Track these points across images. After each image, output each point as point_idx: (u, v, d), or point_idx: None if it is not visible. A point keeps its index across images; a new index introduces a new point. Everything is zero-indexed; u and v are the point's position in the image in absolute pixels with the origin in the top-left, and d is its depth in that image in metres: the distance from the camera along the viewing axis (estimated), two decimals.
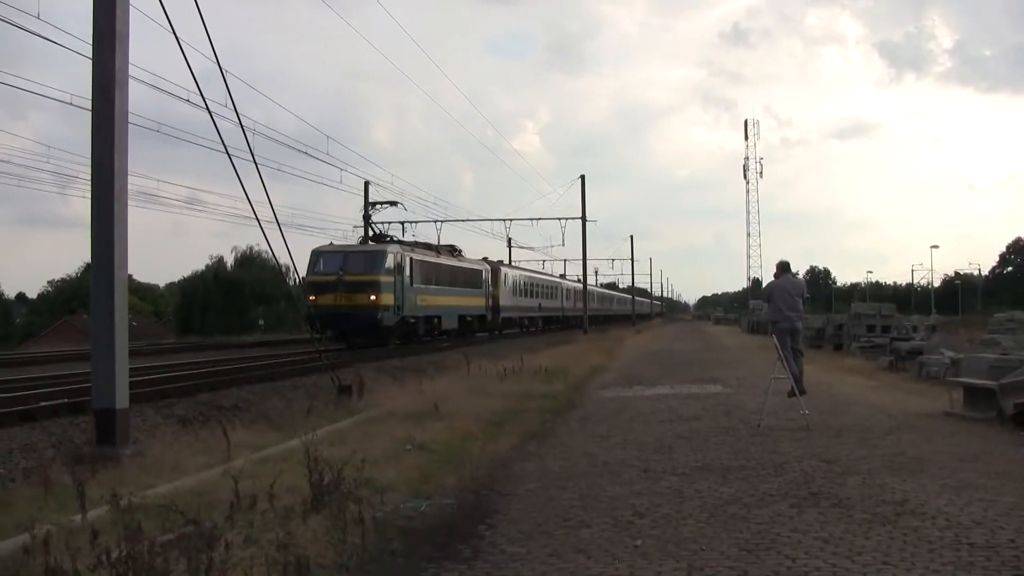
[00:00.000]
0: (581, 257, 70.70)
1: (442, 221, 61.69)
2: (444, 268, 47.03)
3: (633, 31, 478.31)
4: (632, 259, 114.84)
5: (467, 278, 51.27)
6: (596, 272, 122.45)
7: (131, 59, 11.66)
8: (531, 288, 69.54)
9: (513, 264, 70.26)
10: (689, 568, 6.24)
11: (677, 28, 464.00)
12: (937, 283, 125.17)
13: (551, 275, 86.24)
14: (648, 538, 7.07)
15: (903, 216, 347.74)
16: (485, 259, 59.67)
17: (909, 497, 8.30)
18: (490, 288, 55.24)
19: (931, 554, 6.40)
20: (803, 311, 16.21)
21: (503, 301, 58.45)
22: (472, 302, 51.70)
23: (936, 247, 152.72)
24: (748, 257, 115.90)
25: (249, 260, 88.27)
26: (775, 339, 15.12)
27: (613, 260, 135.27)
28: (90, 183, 11.58)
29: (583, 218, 66.24)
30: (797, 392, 14.22)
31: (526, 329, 68.21)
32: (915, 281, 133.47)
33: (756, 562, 6.31)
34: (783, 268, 16.51)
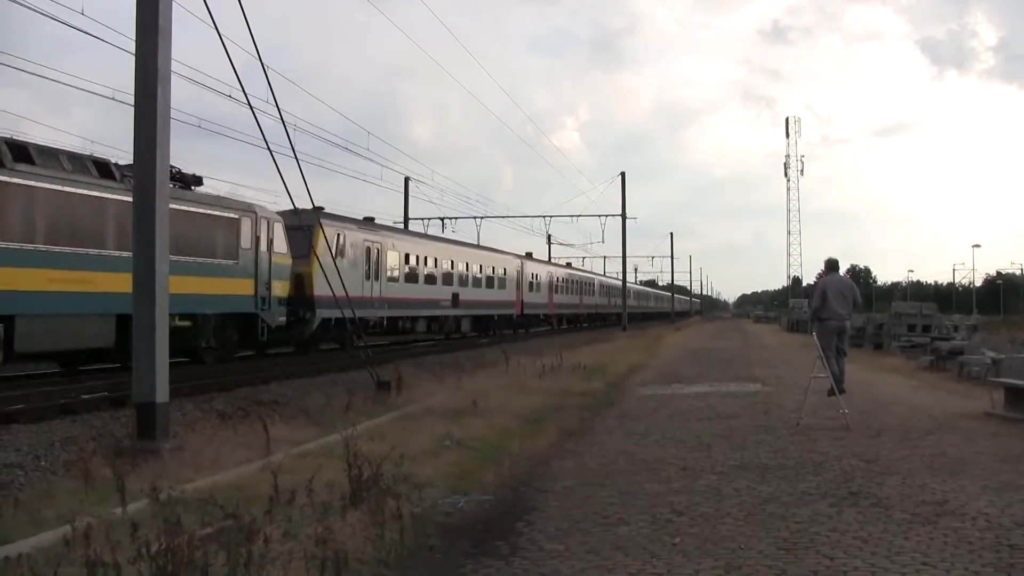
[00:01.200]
0: (621, 254, 70.50)
1: (481, 217, 61.87)
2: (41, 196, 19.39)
3: (673, 28, 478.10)
4: (672, 256, 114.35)
5: (177, 234, 18.83)
6: (636, 269, 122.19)
7: (173, 54, 11.73)
8: (423, 267, 41.00)
9: (379, 225, 39.58)
10: (727, 567, 6.21)
11: (717, 25, 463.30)
12: (979, 282, 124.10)
13: (493, 250, 54.91)
14: (686, 536, 7.05)
15: (944, 215, 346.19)
16: (311, 208, 23.84)
17: (949, 498, 8.23)
18: (273, 261, 28.10)
19: (971, 555, 6.35)
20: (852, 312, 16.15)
21: (322, 288, 26.80)
22: (199, 287, 24.43)
23: (978, 246, 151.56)
24: (788, 255, 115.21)
25: None
26: (815, 336, 15.00)
27: (653, 258, 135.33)
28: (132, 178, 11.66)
29: (623, 215, 66.32)
30: (836, 391, 14.12)
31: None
32: (956, 280, 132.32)
33: (795, 561, 6.28)
34: (832, 266, 16.43)
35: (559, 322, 68.31)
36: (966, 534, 6.94)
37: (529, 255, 63.78)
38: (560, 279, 68.48)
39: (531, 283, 58.51)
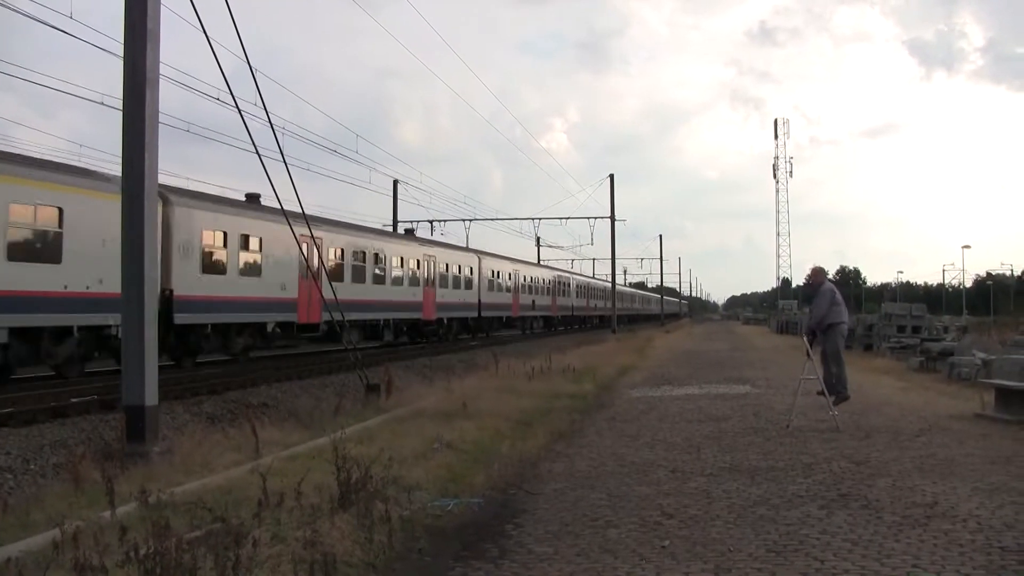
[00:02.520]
0: (610, 257, 70.29)
1: (471, 220, 61.54)
2: None
3: (661, 29, 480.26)
4: (661, 258, 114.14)
5: None
6: (625, 272, 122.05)
7: (161, 58, 11.72)
8: None
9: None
10: (716, 569, 6.21)
11: (705, 26, 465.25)
12: (969, 283, 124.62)
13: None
14: (676, 539, 7.05)
15: (934, 216, 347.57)
16: None
17: (940, 499, 8.24)
18: None
19: (962, 557, 6.35)
20: None
21: None
22: None
23: (968, 247, 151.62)
24: (778, 257, 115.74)
25: None
26: (827, 340, 14.79)
27: (642, 259, 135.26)
28: (120, 182, 11.67)
29: (612, 218, 66.03)
30: (840, 397, 14.03)
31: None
32: (946, 281, 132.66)
33: (784, 564, 6.28)
34: (824, 273, 16.40)
35: (393, 331, 39.13)
36: (957, 536, 6.94)
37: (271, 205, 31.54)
38: (358, 254, 35.44)
39: (246, 265, 27.78)
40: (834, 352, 14.60)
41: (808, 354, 14.67)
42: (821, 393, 14.08)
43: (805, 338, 15.43)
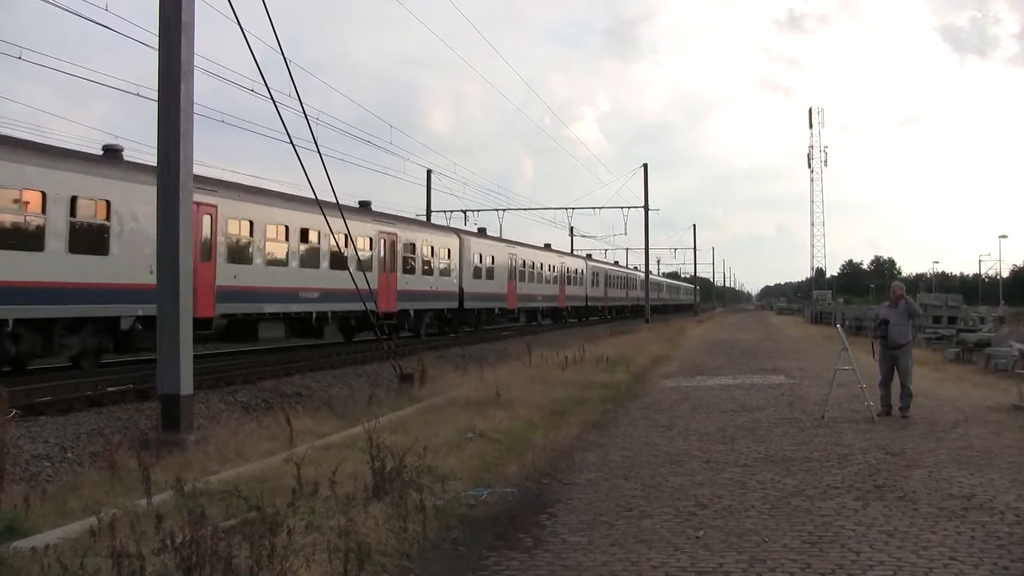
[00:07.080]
0: (644, 247, 69.85)
1: (504, 210, 61.05)
2: None
3: (690, 17, 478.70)
4: (695, 248, 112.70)
5: None
6: (659, 261, 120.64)
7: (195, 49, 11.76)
8: None
9: None
10: (751, 560, 6.19)
11: (734, 14, 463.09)
12: (1006, 273, 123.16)
13: None
14: (710, 529, 7.03)
15: (970, 205, 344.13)
16: None
17: (977, 491, 8.18)
18: None
19: (1000, 550, 6.30)
20: None
21: None
22: None
23: (1005, 236, 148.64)
24: (812, 247, 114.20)
25: None
26: (888, 351, 14.21)
27: (675, 250, 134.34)
28: (156, 172, 11.73)
29: (645, 207, 65.79)
30: (907, 411, 13.52)
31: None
32: (983, 271, 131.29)
33: (819, 555, 6.25)
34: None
35: None
36: (994, 528, 6.89)
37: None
38: None
39: None
40: (910, 368, 13.99)
41: (845, 346, 14.53)
42: (881, 414, 13.41)
43: (874, 339, 14.68)
